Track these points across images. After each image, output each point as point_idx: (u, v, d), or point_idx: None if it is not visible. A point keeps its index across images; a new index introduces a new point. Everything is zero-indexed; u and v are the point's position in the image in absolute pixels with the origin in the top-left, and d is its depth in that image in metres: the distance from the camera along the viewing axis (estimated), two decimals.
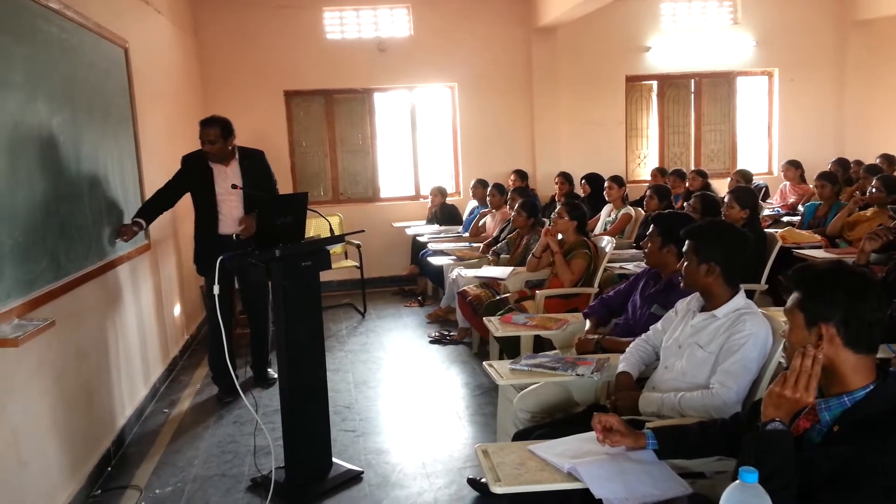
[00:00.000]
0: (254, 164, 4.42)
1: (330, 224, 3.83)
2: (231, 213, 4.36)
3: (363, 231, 4.18)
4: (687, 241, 2.53)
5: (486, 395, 4.37)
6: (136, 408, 4.18)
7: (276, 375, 4.57)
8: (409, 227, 7.37)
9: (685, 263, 2.51)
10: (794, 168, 7.41)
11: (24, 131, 2.90)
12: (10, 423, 2.69)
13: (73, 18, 3.49)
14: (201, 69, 7.22)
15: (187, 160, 4.40)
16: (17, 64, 2.86)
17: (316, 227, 5.82)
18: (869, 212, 5.14)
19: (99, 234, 3.71)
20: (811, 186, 7.05)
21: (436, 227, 7.29)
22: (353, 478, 3.37)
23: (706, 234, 2.50)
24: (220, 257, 3.04)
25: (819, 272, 1.69)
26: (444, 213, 7.41)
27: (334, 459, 3.46)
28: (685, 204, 5.38)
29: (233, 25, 7.29)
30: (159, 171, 5.05)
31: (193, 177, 4.36)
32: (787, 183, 7.47)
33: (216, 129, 4.22)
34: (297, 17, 7.41)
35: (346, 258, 7.07)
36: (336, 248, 6.62)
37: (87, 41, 3.71)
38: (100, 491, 3.38)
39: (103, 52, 4.00)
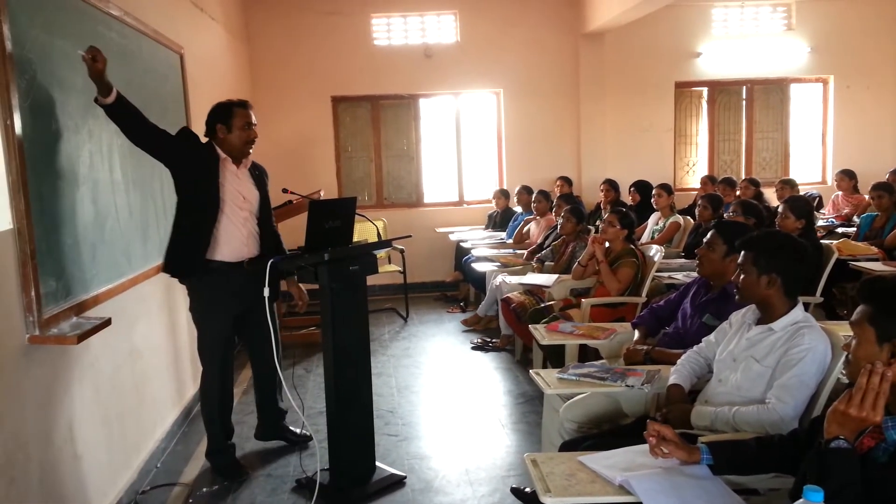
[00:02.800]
0: (263, 180, 3.54)
1: (378, 228, 3.84)
2: (238, 229, 3.35)
3: (410, 236, 4.18)
4: (744, 252, 2.46)
5: (530, 404, 4.33)
6: (185, 406, 4.26)
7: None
8: (452, 232, 7.38)
9: (742, 276, 2.44)
10: (847, 178, 7.19)
11: (85, 134, 2.99)
12: (67, 418, 2.77)
13: (132, 25, 3.59)
14: (252, 74, 7.35)
15: (191, 137, 3.37)
16: (79, 68, 2.93)
17: (361, 231, 5.86)
18: None
19: (154, 236, 3.79)
20: (866, 197, 6.85)
21: (486, 231, 7.34)
22: (397, 482, 3.38)
23: (767, 244, 2.42)
24: (271, 260, 3.06)
25: (894, 286, 1.62)
26: (507, 217, 7.40)
27: (378, 463, 3.46)
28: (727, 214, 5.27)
29: (283, 32, 7.42)
30: None
31: (197, 159, 3.30)
32: (840, 193, 7.25)
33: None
34: (345, 24, 7.51)
35: (390, 263, 7.11)
36: (380, 253, 6.65)
37: (144, 47, 3.81)
38: (149, 487, 3.44)
39: (160, 58, 4.10)
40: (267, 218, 3.53)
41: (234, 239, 3.35)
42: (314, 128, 7.60)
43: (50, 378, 2.65)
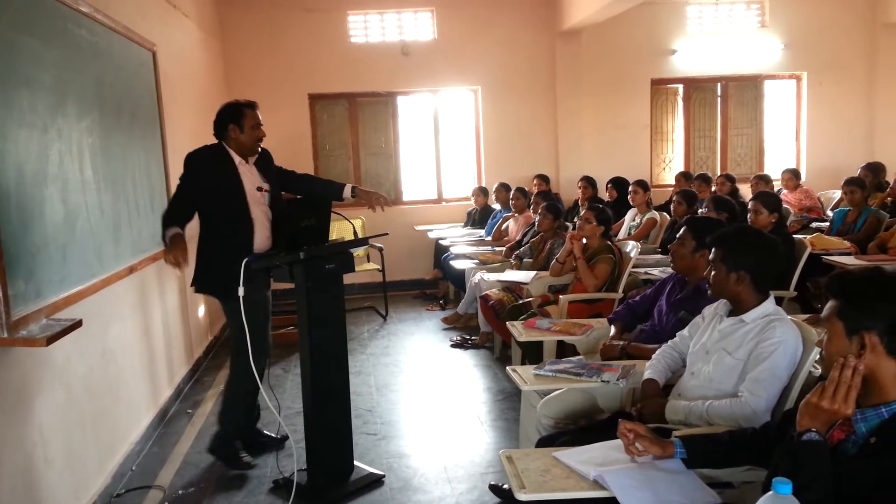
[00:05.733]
0: (268, 165, 3.66)
1: (354, 227, 3.83)
2: (263, 224, 3.48)
3: (387, 234, 4.16)
4: (714, 249, 2.48)
5: (508, 401, 4.34)
6: (161, 408, 4.21)
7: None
8: (431, 230, 7.37)
9: (713, 272, 2.46)
10: (795, 177, 7.21)
11: (54, 133, 2.93)
12: (37, 421, 2.72)
13: (103, 21, 3.53)
14: (226, 72, 7.28)
15: (199, 157, 3.47)
16: (47, 66, 2.89)
17: (339, 229, 5.83)
18: None
19: (126, 236, 3.74)
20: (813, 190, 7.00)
21: (465, 229, 7.34)
22: (375, 481, 3.36)
23: (737, 242, 2.44)
24: (245, 259, 3.04)
25: (859, 279, 1.64)
26: (485, 215, 7.40)
27: (356, 463, 3.45)
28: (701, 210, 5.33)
29: (258, 29, 7.35)
30: None
31: (217, 175, 3.43)
32: (785, 191, 7.22)
33: None
34: (321, 21, 7.46)
35: (368, 261, 7.08)
36: (358, 251, 6.63)
37: (116, 44, 3.75)
38: (123, 490, 3.40)
39: (132, 55, 4.04)
40: (299, 183, 3.79)
41: (262, 235, 3.47)
42: (291, 126, 7.53)
43: (19, 381, 2.61)
